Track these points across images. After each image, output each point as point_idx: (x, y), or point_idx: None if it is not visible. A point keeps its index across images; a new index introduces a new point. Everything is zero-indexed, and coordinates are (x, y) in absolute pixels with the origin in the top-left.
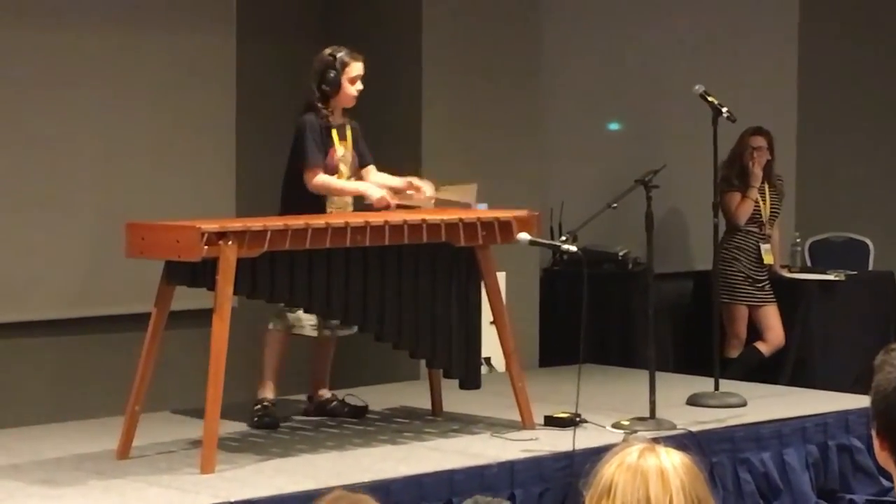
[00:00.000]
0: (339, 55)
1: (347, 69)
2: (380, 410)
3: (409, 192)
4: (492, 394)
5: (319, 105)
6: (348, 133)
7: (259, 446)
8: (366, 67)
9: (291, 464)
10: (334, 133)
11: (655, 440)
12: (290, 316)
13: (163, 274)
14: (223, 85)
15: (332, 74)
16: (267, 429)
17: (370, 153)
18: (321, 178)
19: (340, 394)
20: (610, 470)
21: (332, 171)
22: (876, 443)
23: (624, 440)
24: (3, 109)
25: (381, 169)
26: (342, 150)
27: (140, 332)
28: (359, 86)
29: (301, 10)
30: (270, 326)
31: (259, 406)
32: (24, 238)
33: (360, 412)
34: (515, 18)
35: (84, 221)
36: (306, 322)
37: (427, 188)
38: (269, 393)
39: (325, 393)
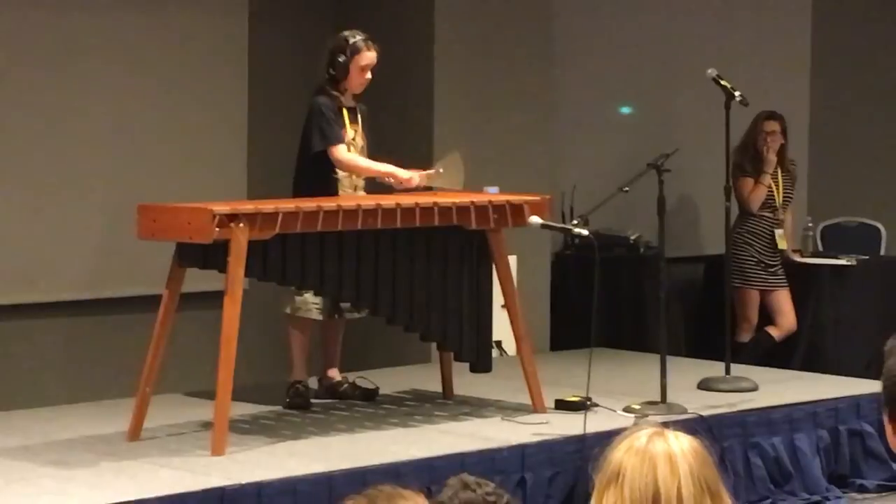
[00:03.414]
0: (352, 41)
1: (358, 57)
2: (391, 393)
3: (387, 179)
4: (503, 377)
5: (329, 87)
6: (359, 116)
7: (270, 429)
8: (379, 57)
9: (302, 446)
10: (345, 114)
11: (666, 424)
12: (298, 299)
13: (174, 256)
14: (235, 68)
15: (341, 59)
16: (298, 409)
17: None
18: (349, 156)
19: (351, 377)
20: (619, 454)
21: None
22: (888, 428)
23: (634, 424)
24: (15, 91)
25: (391, 152)
26: (352, 133)
27: (151, 314)
28: (368, 75)
29: None
30: (288, 311)
31: (291, 388)
32: (35, 220)
33: (371, 395)
34: (527, 1)
35: (96, 203)
36: (312, 305)
37: (414, 177)
38: (299, 375)
39: (336, 376)
